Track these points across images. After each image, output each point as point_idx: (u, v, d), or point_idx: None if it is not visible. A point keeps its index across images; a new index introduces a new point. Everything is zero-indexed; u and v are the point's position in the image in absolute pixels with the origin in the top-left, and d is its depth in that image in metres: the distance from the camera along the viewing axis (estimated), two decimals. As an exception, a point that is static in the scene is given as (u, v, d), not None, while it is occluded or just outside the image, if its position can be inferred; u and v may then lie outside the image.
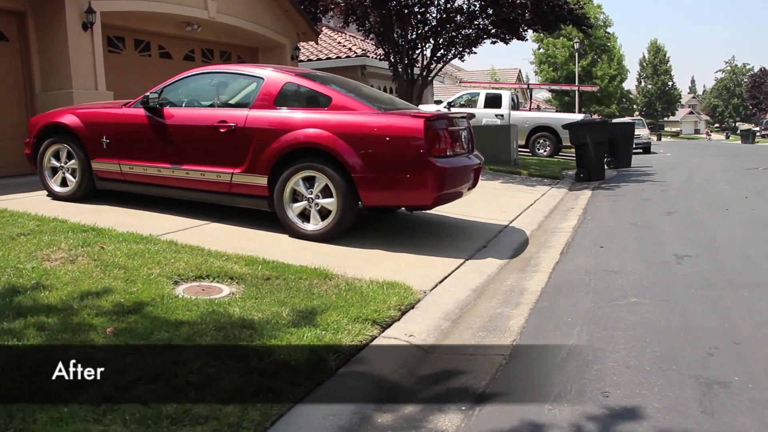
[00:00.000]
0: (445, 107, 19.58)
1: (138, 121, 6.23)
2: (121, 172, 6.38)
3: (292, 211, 5.60)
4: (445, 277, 4.68)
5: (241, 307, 3.62)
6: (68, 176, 6.68)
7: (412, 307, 3.95)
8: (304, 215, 5.61)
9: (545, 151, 19.13)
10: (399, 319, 3.73)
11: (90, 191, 6.67)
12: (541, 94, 54.63)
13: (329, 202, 5.44)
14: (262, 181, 5.64)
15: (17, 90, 9.40)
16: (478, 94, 20.68)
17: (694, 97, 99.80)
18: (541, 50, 48.83)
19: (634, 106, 70.54)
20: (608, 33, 50.44)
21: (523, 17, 13.52)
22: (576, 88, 35.03)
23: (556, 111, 38.95)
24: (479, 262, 5.24)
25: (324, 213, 5.52)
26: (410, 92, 14.91)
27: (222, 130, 5.76)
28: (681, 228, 7.07)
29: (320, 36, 22.45)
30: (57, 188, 6.75)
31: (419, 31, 14.69)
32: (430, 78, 15.03)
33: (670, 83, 75.97)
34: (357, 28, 15.36)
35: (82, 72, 9.32)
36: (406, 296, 4.01)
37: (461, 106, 20.05)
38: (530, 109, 28.22)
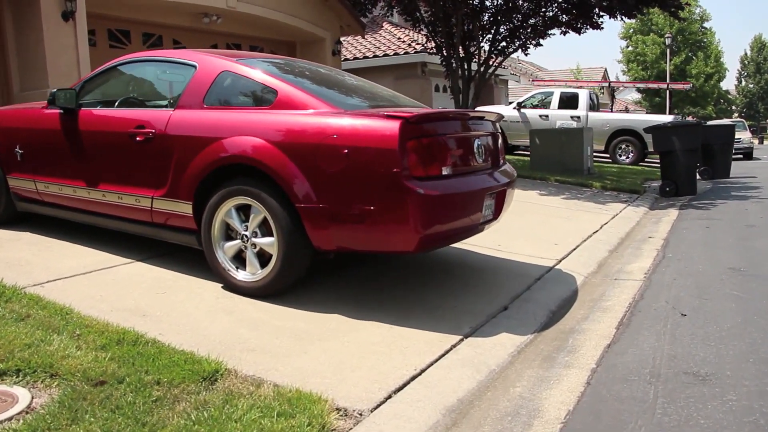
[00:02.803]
0: (514, 108, 17.60)
1: (52, 127, 4.77)
2: (37, 191, 4.95)
3: (223, 252, 3.93)
4: (412, 379, 2.85)
5: (-17, 464, 1.98)
6: (-13, 195, 5.31)
7: (312, 463, 2.19)
8: (242, 259, 3.95)
9: (628, 158, 16.73)
10: (267, 500, 1.98)
11: (12, 214, 5.31)
12: (631, 96, 50.93)
13: (269, 243, 3.74)
14: (186, 209, 4.01)
15: (-8, 90, 8.29)
16: (551, 93, 18.48)
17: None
18: (630, 48, 45.26)
19: (733, 107, 65.24)
20: (704, 28, 46.25)
21: (597, -1, 11.37)
22: (666, 86, 31.69)
23: (646, 113, 35.70)
24: (483, 343, 3.38)
25: (266, 257, 3.82)
26: (467, 90, 13.01)
27: (139, 139, 4.17)
28: (807, 278, 4.86)
29: (379, 31, 20.92)
30: (-26, 210, 5.40)
31: (476, 22, 12.77)
32: (489, 74, 13.05)
33: (775, 82, 69.80)
34: (405, 19, 13.60)
35: (62, 68, 8.06)
36: (309, 436, 2.25)
37: (533, 107, 17.98)
38: (613, 111, 25.65)
